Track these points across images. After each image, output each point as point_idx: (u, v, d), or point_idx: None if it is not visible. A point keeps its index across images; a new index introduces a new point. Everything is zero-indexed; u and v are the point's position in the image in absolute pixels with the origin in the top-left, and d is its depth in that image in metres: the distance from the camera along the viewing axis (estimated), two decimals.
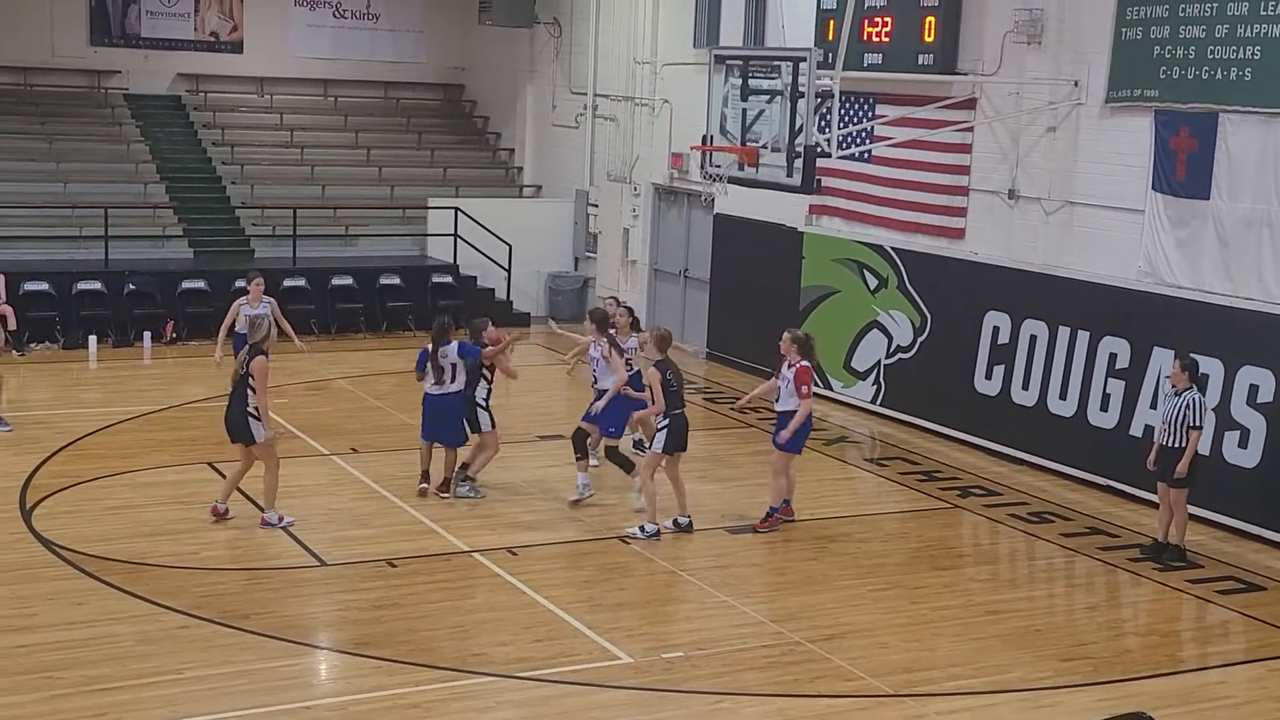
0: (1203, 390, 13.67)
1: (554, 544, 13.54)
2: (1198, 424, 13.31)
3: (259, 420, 13.44)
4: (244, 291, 17.66)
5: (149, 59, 26.79)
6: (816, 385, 19.54)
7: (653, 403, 13.71)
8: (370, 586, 12.26)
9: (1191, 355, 13.97)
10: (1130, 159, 15.90)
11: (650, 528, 13.69)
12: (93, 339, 21.33)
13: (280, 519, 13.70)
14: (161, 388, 19.39)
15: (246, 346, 13.77)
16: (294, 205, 24.30)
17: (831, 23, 18.65)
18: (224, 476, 14.98)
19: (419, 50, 28.63)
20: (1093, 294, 16.17)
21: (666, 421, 13.67)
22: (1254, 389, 14.44)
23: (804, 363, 13.91)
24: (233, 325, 17.17)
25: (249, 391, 13.39)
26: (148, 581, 12.09)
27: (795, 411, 13.76)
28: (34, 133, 25.20)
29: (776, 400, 14.07)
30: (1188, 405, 13.32)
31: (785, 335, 14.12)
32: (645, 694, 10.41)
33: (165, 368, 20.94)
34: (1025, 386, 16.95)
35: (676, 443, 13.74)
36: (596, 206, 25.32)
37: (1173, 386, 13.58)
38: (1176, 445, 13.37)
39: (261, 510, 13.77)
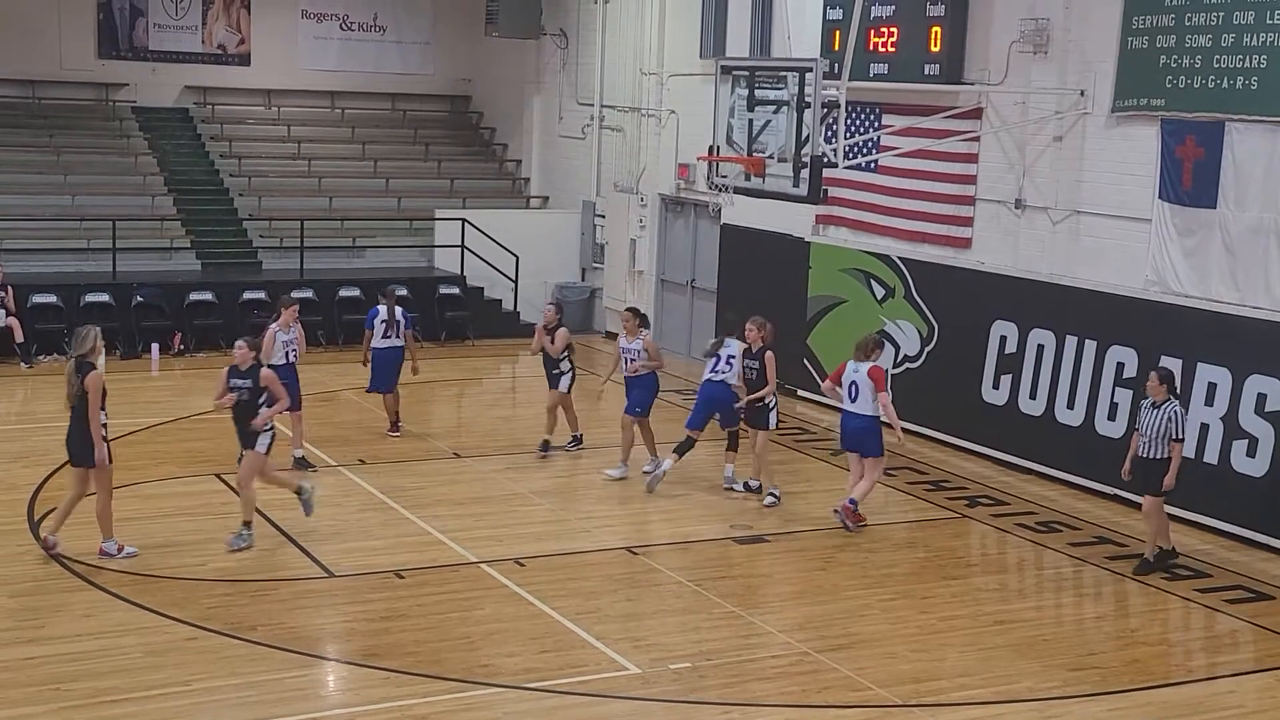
0: (1182, 400, 13.61)
1: (561, 555, 13.54)
2: (1179, 436, 13.24)
3: (106, 441, 12.62)
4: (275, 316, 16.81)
5: (157, 71, 26.86)
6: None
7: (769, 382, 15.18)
8: (378, 598, 12.26)
9: (1166, 366, 14.10)
10: (1137, 168, 15.90)
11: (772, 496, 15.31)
12: None
13: (120, 549, 12.80)
14: (169, 400, 19.42)
15: (73, 359, 12.72)
16: (301, 217, 24.36)
17: (837, 33, 18.69)
18: (230, 487, 15.02)
19: (426, 62, 28.68)
20: (1100, 303, 16.16)
21: (774, 402, 15.25)
22: (1262, 398, 14.43)
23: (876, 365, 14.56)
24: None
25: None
26: (155, 593, 12.10)
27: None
28: (42, 145, 25.27)
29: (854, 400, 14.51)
30: (1169, 418, 13.23)
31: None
32: (653, 705, 10.41)
33: (173, 379, 20.97)
34: (1033, 396, 16.93)
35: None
36: (603, 217, 25.34)
37: (1151, 399, 13.51)
38: (1156, 457, 13.30)
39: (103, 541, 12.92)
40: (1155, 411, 13.34)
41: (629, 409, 16.16)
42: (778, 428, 15.64)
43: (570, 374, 17.01)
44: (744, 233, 21.51)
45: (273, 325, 16.18)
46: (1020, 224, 17.46)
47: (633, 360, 16.16)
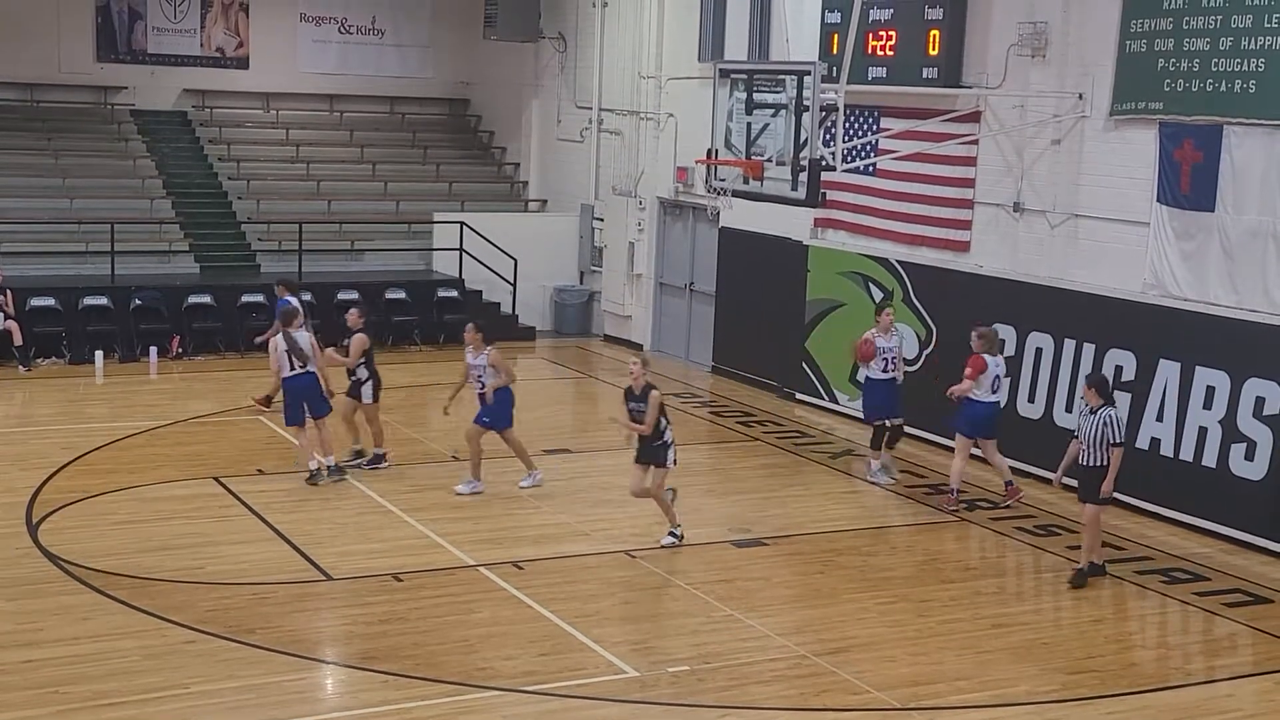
0: (1114, 404, 13.49)
1: (560, 558, 13.54)
2: (1118, 440, 13.11)
3: None
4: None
5: (155, 75, 26.86)
6: (823, 397, 19.86)
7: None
8: (376, 601, 12.26)
9: (1100, 373, 14.24)
10: (1135, 171, 15.91)
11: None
12: (99, 354, 21.35)
13: None
14: (167, 403, 19.42)
15: None
16: (300, 220, 24.35)
17: (836, 36, 18.70)
18: (229, 490, 15.01)
19: (424, 65, 28.69)
20: (1098, 306, 16.17)
21: (672, 438, 13.86)
22: (1260, 401, 14.44)
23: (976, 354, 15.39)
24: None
25: None
26: (154, 596, 12.10)
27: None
28: (40, 148, 25.26)
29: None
30: (1104, 423, 13.11)
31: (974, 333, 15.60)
32: (651, 708, 10.41)
33: (171, 383, 20.96)
34: (1031, 399, 16.93)
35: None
36: (602, 220, 25.35)
37: (1087, 405, 13.42)
38: (1095, 465, 13.19)
39: None
40: (1091, 417, 13.23)
41: (477, 418, 15.41)
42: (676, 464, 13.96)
43: (370, 381, 16.12)
44: (742, 236, 21.52)
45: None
46: (1019, 227, 17.46)
47: (479, 376, 15.34)
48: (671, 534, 14.01)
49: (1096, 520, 13.44)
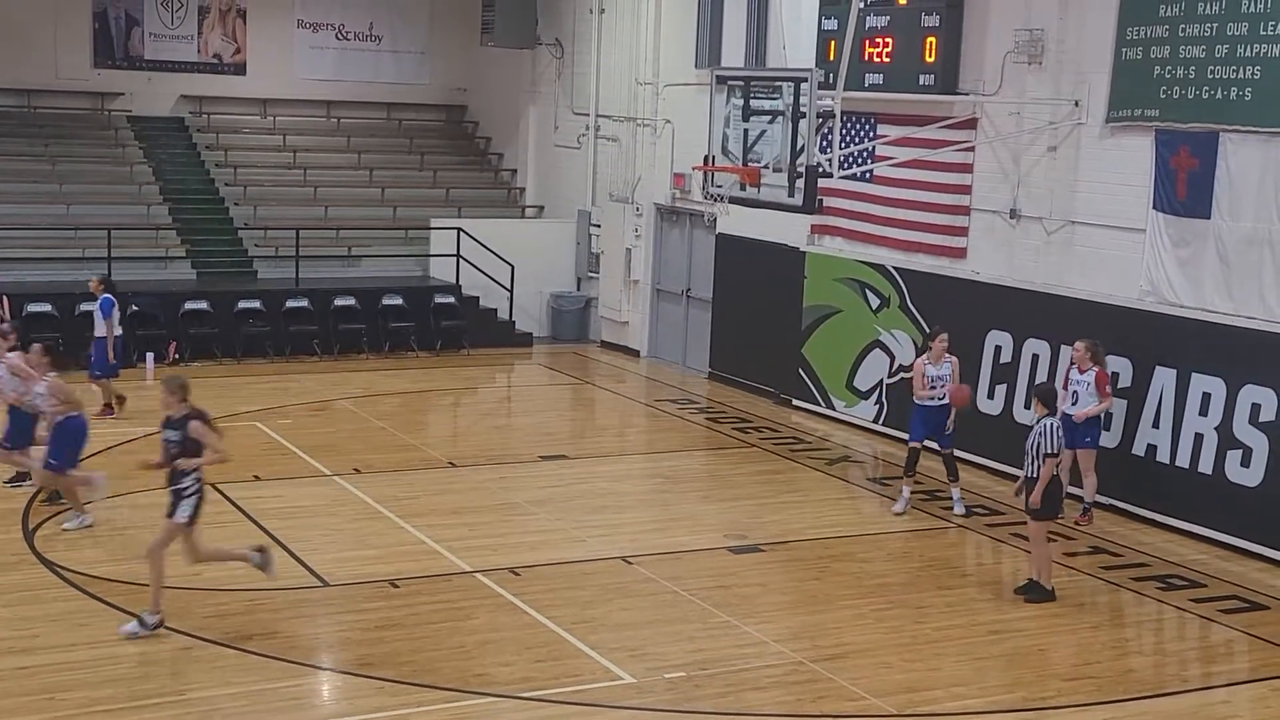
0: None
1: (556, 564, 13.54)
2: (1051, 450, 12.90)
3: None
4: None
5: (152, 81, 26.83)
6: (819, 403, 19.88)
7: None
8: (373, 607, 12.26)
9: (1047, 384, 14.18)
10: (1131, 178, 15.93)
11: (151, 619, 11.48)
12: None
13: None
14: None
15: None
16: (297, 226, 24.33)
17: (832, 43, 18.71)
18: (225, 496, 15.01)
19: (421, 71, 28.70)
20: (1094, 313, 16.18)
21: (197, 488, 11.62)
22: (1256, 408, 14.45)
23: (1099, 368, 15.02)
24: None
25: None
26: (150, 603, 12.07)
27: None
28: (37, 154, 25.24)
29: (1074, 404, 15.08)
30: (1041, 432, 12.95)
31: (1080, 344, 15.14)
32: (648, 714, 10.41)
33: None
34: (1028, 406, 16.91)
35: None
36: (599, 227, 25.36)
37: (1035, 416, 13.35)
38: (1035, 476, 13.02)
39: None
40: (1034, 427, 13.12)
41: (44, 461, 14.14)
42: (192, 522, 11.72)
43: None
44: (739, 242, 21.53)
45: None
46: (1015, 234, 17.48)
47: (35, 403, 14.24)
48: (141, 620, 11.40)
49: (1039, 537, 13.12)
